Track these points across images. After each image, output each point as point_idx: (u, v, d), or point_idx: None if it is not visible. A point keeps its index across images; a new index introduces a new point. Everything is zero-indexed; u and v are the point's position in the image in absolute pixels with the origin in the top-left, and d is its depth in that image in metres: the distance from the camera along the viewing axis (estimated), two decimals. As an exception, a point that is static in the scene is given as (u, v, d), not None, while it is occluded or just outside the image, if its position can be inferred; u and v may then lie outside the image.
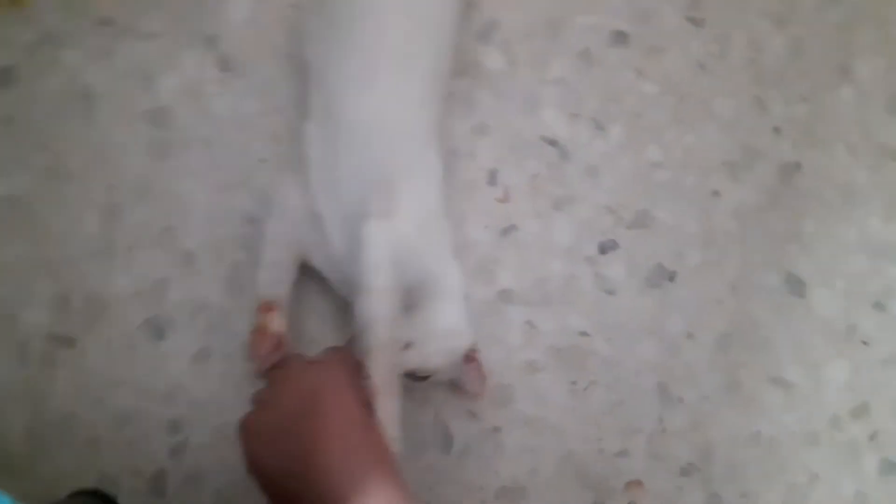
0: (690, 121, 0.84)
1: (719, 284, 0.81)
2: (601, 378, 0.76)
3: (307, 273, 0.68)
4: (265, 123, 0.73)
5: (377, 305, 0.57)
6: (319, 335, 0.70)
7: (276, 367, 0.60)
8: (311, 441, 0.50)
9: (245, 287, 0.69)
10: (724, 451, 0.77)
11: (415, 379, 0.63)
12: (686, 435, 0.76)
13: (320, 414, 0.52)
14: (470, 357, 0.67)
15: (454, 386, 0.69)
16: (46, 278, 0.66)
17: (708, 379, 0.78)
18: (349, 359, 0.58)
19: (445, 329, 0.64)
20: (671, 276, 0.80)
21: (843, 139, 0.86)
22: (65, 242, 0.67)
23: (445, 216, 0.68)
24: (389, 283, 0.58)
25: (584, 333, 0.77)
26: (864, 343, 0.81)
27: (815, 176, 0.84)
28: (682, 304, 0.79)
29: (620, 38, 0.84)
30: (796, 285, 0.81)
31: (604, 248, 0.79)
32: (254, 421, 0.55)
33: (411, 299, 0.62)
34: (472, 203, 0.76)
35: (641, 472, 0.75)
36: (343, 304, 0.67)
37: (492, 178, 0.78)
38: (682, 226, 0.81)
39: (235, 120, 0.73)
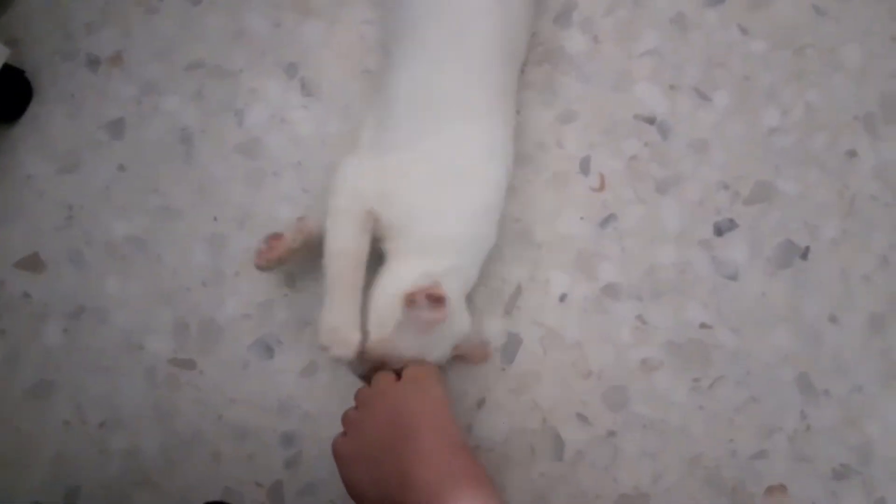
0: (812, 75, 0.76)
1: (865, 258, 0.72)
2: (729, 373, 0.71)
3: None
4: (349, 141, 0.77)
5: (336, 222, 0.62)
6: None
7: (365, 386, 0.62)
8: (406, 462, 0.52)
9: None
10: (888, 450, 0.69)
11: None
12: (837, 432, 0.69)
13: (412, 435, 0.53)
14: (411, 298, 0.58)
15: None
16: (166, 308, 0.74)
17: (860, 367, 0.70)
18: (436, 373, 0.60)
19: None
20: (804, 254, 0.73)
21: None
22: (179, 274, 0.74)
23: (466, 183, 0.66)
24: (349, 203, 0.63)
25: (704, 325, 0.72)
26: None
27: (978, 118, 0.74)
28: (820, 284, 0.72)
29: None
30: (967, 250, 0.72)
31: (720, 229, 0.74)
32: (346, 445, 0.57)
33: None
34: (565, 195, 0.75)
35: (785, 476, 0.69)
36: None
37: (584, 166, 0.76)
38: (813, 195, 0.74)
39: (321, 141, 0.77)
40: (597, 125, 0.77)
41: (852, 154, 0.75)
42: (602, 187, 0.75)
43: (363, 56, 0.79)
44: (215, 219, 0.76)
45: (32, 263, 0.75)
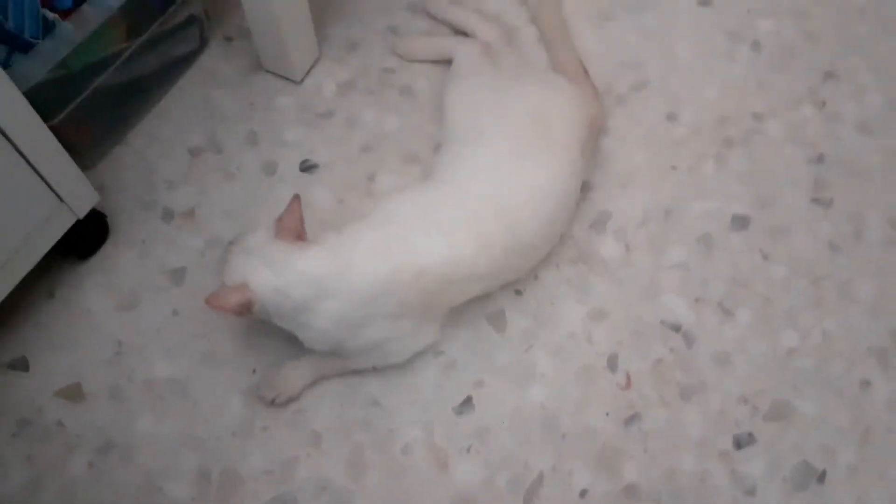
0: (828, 304, 0.85)
1: (882, 488, 0.76)
2: None
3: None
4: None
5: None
6: None
7: None
8: None
9: (367, 469, 0.78)
10: None
11: None
12: None
13: None
14: None
15: None
16: (192, 453, 0.77)
17: None
18: None
19: None
20: (821, 477, 0.77)
21: None
22: (211, 421, 0.79)
23: None
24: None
25: (723, 539, 0.75)
26: None
27: None
28: (838, 510, 0.76)
29: (741, 221, 0.90)
30: (983, 492, 0.76)
31: (739, 442, 0.79)
32: None
33: None
34: (592, 389, 0.81)
35: None
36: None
37: (612, 363, 0.83)
38: (830, 419, 0.80)
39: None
40: (625, 326, 0.85)
41: (867, 384, 0.81)
42: (628, 386, 0.82)
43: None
44: (254, 371, 0.82)
45: (73, 393, 0.80)
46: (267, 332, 0.83)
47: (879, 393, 0.80)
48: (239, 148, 0.95)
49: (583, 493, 0.76)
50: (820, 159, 0.94)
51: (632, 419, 0.80)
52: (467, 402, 0.81)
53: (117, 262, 0.88)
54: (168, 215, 0.91)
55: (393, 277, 0.72)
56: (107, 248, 0.88)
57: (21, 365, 0.82)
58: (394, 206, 0.78)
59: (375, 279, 0.72)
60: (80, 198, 0.81)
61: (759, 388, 0.81)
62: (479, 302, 0.83)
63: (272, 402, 0.79)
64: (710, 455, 0.78)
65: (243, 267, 0.72)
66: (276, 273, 0.71)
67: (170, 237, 0.89)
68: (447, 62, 0.95)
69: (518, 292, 0.86)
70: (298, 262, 0.72)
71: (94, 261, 0.88)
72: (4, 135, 0.69)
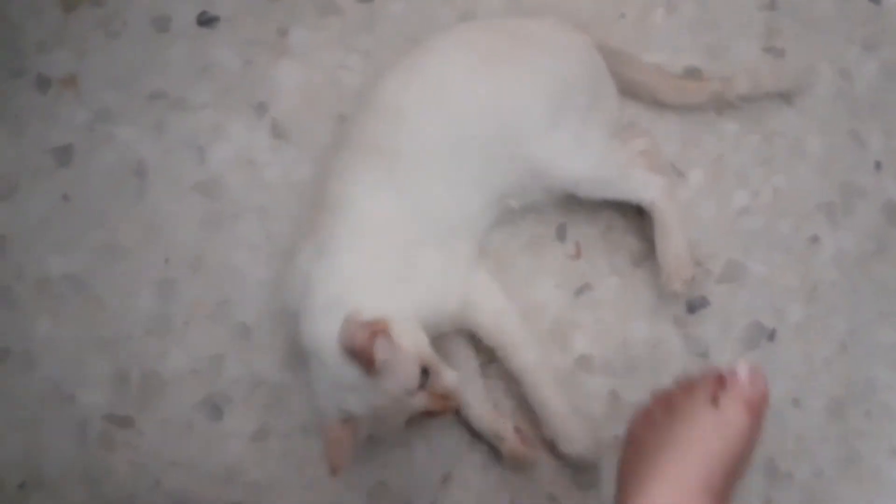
0: (779, 161, 0.84)
1: (827, 343, 0.79)
2: (697, 452, 0.76)
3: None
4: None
5: None
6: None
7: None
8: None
9: (303, 361, 0.74)
10: (848, 537, 0.74)
11: None
12: (800, 517, 0.75)
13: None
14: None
15: None
16: (103, 357, 0.71)
17: (821, 451, 0.76)
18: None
19: None
20: (770, 335, 0.79)
21: (958, 171, 0.85)
22: (121, 319, 0.72)
23: None
24: None
25: (674, 402, 0.77)
26: None
27: (930, 215, 0.84)
28: (785, 366, 0.78)
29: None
30: (918, 341, 0.80)
31: (692, 307, 0.79)
32: (642, 428, 0.62)
33: None
34: (541, 260, 0.78)
35: (751, 561, 0.73)
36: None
37: (561, 232, 0.80)
38: (780, 278, 0.80)
39: (288, 187, 0.78)
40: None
41: (815, 240, 0.82)
42: (578, 255, 0.80)
43: (338, 102, 0.81)
44: (167, 261, 0.75)
45: (-49, 299, 0.72)
46: (176, 219, 0.76)
47: (826, 249, 0.81)
48: (121, -1, 0.82)
49: (536, 368, 0.75)
50: (772, 5, 0.90)
51: (582, 289, 0.78)
52: (410, 282, 0.77)
53: (-15, 142, 0.76)
54: (44, 84, 0.78)
55: None
56: (-31, 126, 0.76)
57: None
58: None
59: None
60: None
61: (710, 250, 0.81)
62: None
63: None
64: (662, 321, 0.78)
65: None
66: None
67: (49, 110, 0.78)
68: None
69: (458, 161, 0.80)
70: None
71: (-45, 141, 0.76)
72: None
